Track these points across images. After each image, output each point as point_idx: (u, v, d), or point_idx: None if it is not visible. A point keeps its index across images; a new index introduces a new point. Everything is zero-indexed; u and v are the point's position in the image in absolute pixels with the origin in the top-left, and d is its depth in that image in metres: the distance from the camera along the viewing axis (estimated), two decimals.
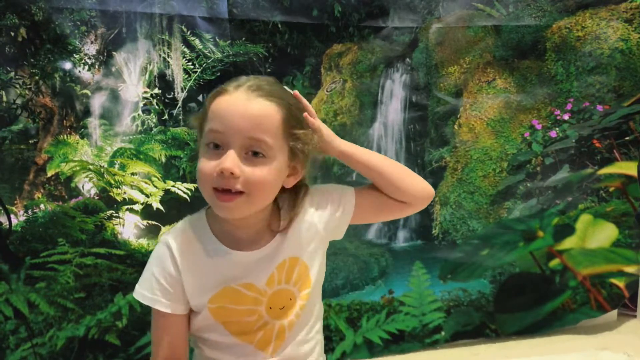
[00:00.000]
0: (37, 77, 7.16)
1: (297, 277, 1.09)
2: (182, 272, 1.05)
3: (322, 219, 1.12)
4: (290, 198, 1.12)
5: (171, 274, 1.05)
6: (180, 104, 8.12)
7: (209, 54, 7.88)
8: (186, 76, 8.11)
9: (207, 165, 0.98)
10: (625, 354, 1.36)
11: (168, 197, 6.19)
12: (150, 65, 7.99)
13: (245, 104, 0.98)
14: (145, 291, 1.06)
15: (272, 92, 1.01)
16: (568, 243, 3.35)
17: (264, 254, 1.07)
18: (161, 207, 5.98)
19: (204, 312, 1.06)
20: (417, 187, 1.15)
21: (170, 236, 1.08)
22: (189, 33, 7.71)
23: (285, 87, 1.09)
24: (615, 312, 2.12)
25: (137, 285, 1.08)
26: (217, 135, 0.97)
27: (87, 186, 6.64)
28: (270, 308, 1.07)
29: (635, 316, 2.08)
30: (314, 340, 1.15)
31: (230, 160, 0.95)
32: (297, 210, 1.10)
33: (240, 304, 1.06)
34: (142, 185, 6.10)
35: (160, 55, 8.01)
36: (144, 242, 5.37)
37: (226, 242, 1.06)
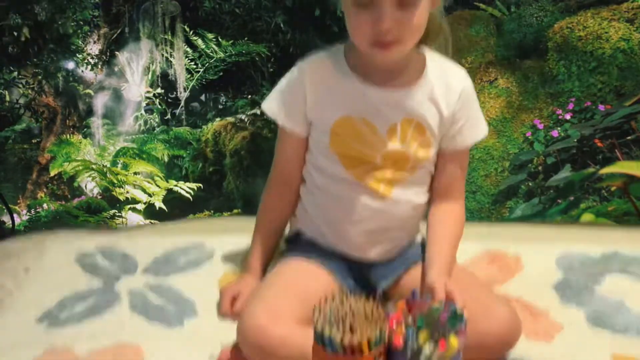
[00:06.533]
0: (40, 77, 7.18)
1: (418, 146, 1.09)
2: (307, 96, 1.09)
3: (448, 116, 1.11)
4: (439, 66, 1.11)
5: (299, 92, 1.10)
6: (182, 103, 8.13)
7: (211, 54, 7.88)
8: (189, 76, 8.12)
9: (360, 22, 0.98)
10: None
11: (171, 197, 6.20)
12: (153, 65, 8.00)
13: None
14: (273, 105, 1.13)
15: None
16: None
17: (393, 98, 1.07)
18: (164, 207, 5.98)
19: (325, 139, 1.09)
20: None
21: (305, 62, 1.12)
22: (191, 33, 7.73)
23: None
24: None
25: (265, 99, 1.15)
26: None
27: (90, 185, 6.66)
28: (385, 159, 1.08)
29: None
30: (418, 207, 1.15)
31: (387, 18, 0.94)
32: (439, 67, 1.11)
33: (358, 142, 1.07)
34: (145, 184, 6.11)
35: (163, 55, 8.02)
36: None
37: (358, 74, 1.08)
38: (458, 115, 1.10)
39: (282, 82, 1.14)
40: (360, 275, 1.15)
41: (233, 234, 1.47)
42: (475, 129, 1.13)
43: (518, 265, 1.34)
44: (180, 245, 1.44)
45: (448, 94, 1.09)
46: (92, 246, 1.43)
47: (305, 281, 1.08)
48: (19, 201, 6.96)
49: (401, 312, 0.87)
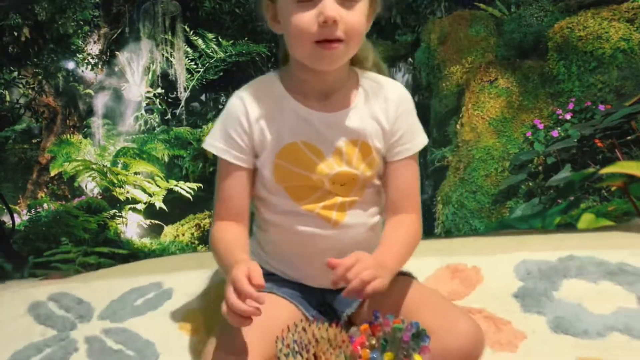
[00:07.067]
0: (40, 77, 7.17)
1: (366, 166, 1.08)
2: (252, 124, 1.06)
3: (387, 130, 1.09)
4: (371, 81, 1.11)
5: (242, 125, 1.06)
6: (183, 103, 8.14)
7: (211, 54, 7.89)
8: (189, 76, 8.12)
9: (304, 18, 0.95)
10: None
11: (171, 197, 6.20)
12: (153, 65, 8.00)
13: None
14: (215, 141, 1.08)
15: None
16: None
17: (334, 120, 1.06)
18: (164, 207, 5.99)
19: (269, 171, 1.07)
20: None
21: (243, 90, 1.10)
22: (191, 33, 7.73)
23: None
24: None
25: (206, 137, 1.09)
26: None
27: (90, 185, 6.66)
28: (333, 183, 1.06)
29: None
30: (373, 227, 1.13)
31: (332, 7, 0.94)
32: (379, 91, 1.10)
33: (304, 168, 1.05)
34: (145, 184, 6.11)
35: (163, 55, 8.03)
36: (147, 241, 5.38)
37: (297, 99, 1.06)
38: (397, 124, 1.09)
39: (222, 116, 1.10)
40: (324, 304, 1.14)
41: (191, 271, 1.43)
42: (416, 138, 1.11)
43: (478, 277, 1.35)
44: (137, 286, 1.39)
45: (386, 107, 1.09)
46: (44, 295, 1.38)
47: (268, 315, 1.00)
48: (19, 201, 6.96)
49: (365, 335, 0.87)
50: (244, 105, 1.07)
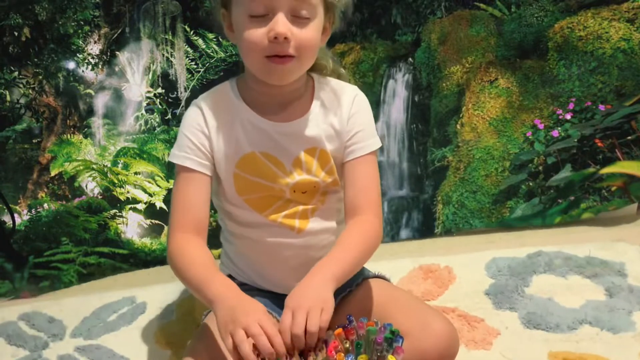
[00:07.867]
0: (40, 77, 7.18)
1: (326, 173, 1.09)
2: (211, 131, 1.06)
3: (342, 133, 1.09)
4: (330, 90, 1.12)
5: (202, 130, 1.06)
6: (183, 103, 8.15)
7: (212, 54, 7.90)
8: (189, 76, 8.14)
9: (256, 33, 0.97)
10: None
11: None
12: (153, 65, 8.01)
13: None
14: (176, 151, 1.07)
15: None
16: None
17: (291, 129, 1.06)
18: (164, 207, 6.00)
19: (229, 183, 1.07)
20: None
21: (201, 99, 1.10)
22: (192, 33, 7.74)
23: None
24: (635, 205, 2.14)
25: (172, 150, 1.09)
26: (262, 2, 0.96)
27: (91, 185, 6.67)
28: (294, 191, 1.07)
29: None
30: (338, 231, 1.13)
31: (283, 24, 0.95)
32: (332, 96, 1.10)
33: (263, 178, 1.06)
34: (146, 184, 6.12)
35: (163, 54, 8.03)
36: (147, 241, 5.39)
37: (255, 109, 1.07)
38: (350, 124, 1.09)
39: (181, 127, 1.09)
40: None
41: (164, 284, 1.43)
42: (370, 138, 1.11)
43: (451, 276, 1.37)
44: (109, 301, 1.37)
45: (340, 110, 1.09)
46: (14, 315, 1.35)
47: None
48: (19, 201, 6.96)
49: (339, 339, 0.87)
50: (202, 114, 1.07)
